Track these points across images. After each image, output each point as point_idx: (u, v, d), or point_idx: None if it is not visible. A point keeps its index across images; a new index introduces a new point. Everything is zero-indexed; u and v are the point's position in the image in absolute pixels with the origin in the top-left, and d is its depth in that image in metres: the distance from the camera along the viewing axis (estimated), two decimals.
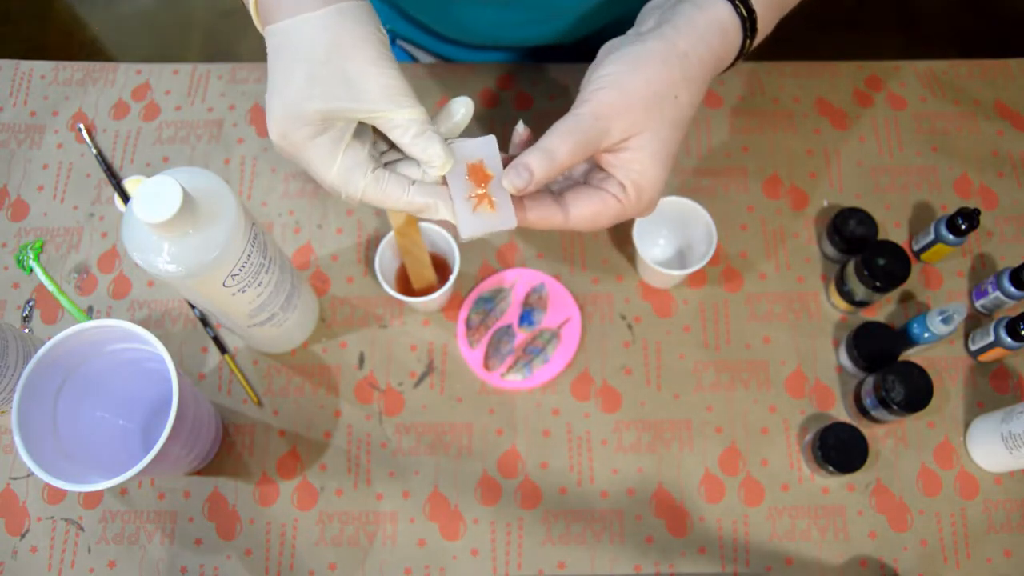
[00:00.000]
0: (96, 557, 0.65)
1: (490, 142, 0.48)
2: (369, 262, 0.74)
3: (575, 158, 0.46)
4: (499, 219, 0.47)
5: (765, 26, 0.51)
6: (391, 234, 0.68)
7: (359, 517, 0.66)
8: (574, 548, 0.66)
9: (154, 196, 0.48)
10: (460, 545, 0.66)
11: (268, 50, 0.46)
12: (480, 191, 0.47)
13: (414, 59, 0.90)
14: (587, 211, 0.49)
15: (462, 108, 0.48)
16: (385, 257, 0.69)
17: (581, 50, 0.81)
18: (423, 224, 0.68)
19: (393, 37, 0.88)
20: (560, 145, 0.46)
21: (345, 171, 0.46)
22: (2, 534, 0.65)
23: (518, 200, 0.48)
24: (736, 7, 0.49)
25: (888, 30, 1.86)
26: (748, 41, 0.50)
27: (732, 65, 0.52)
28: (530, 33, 0.77)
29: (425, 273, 0.70)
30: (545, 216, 0.48)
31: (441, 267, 0.72)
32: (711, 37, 0.48)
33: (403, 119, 0.44)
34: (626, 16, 0.76)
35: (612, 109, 0.46)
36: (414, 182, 0.47)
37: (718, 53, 0.49)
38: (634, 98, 0.47)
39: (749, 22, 0.49)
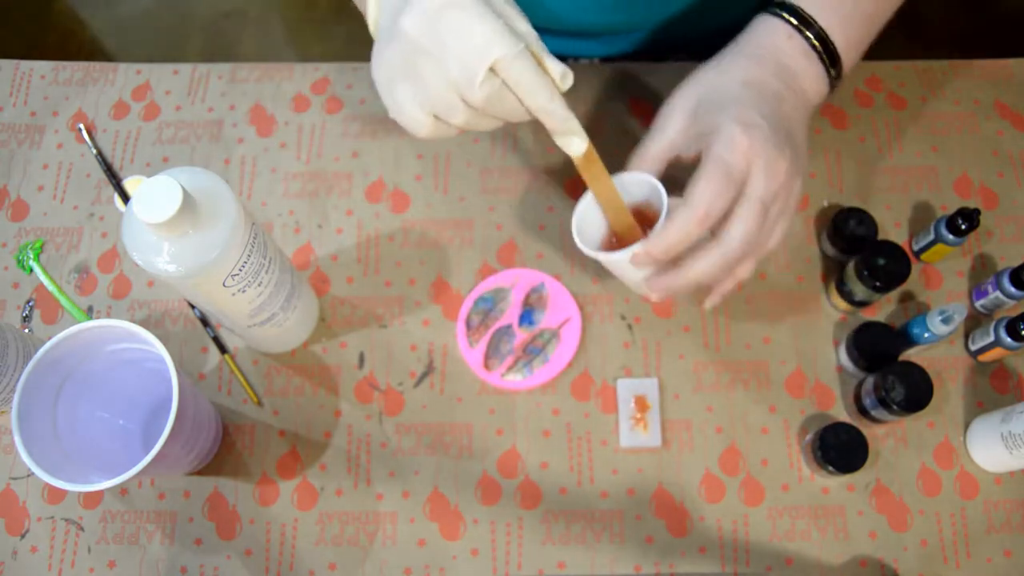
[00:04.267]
0: (96, 557, 0.65)
1: (654, 383, 0.69)
2: (369, 262, 0.74)
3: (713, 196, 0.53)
4: (649, 439, 0.67)
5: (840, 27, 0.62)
6: (588, 193, 0.59)
7: (359, 517, 0.66)
8: (574, 548, 0.66)
9: (154, 196, 0.48)
10: (460, 545, 0.66)
11: None
12: (639, 416, 0.67)
13: None
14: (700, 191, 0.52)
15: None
16: (588, 216, 0.60)
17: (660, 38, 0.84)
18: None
19: None
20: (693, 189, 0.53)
21: (504, 27, 0.45)
22: (2, 534, 0.65)
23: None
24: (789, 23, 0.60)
25: (888, 30, 1.85)
26: (823, 54, 0.63)
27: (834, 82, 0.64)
28: (612, 18, 0.77)
29: (621, 216, 0.59)
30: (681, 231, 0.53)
31: (644, 220, 0.61)
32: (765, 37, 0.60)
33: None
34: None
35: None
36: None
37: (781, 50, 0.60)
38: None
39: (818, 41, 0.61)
